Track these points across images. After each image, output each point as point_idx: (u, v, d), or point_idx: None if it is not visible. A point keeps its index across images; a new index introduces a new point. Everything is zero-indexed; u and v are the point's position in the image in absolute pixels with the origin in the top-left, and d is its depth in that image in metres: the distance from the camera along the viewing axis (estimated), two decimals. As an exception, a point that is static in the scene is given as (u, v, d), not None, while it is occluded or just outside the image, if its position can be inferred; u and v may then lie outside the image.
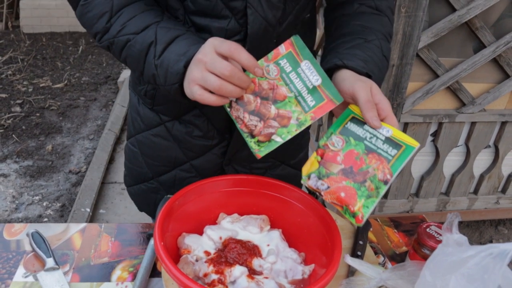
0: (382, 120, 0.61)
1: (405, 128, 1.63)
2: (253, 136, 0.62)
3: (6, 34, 4.86)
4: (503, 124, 1.76)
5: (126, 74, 3.72)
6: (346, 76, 0.67)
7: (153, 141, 0.89)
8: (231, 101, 0.62)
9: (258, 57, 0.67)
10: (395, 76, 1.46)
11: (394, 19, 0.84)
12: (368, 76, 0.68)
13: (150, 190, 0.95)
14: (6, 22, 5.07)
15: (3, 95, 3.44)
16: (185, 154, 0.88)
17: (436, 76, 1.57)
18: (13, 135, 2.88)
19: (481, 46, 1.61)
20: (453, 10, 1.48)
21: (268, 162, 0.91)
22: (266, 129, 0.61)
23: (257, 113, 0.62)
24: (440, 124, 1.66)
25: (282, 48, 0.63)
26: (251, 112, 0.62)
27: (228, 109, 0.63)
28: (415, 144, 0.59)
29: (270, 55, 0.63)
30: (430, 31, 1.48)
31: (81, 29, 5.19)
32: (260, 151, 0.61)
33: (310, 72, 0.62)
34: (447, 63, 1.59)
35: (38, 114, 3.19)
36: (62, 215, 2.15)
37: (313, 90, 0.61)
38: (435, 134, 1.70)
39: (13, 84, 3.67)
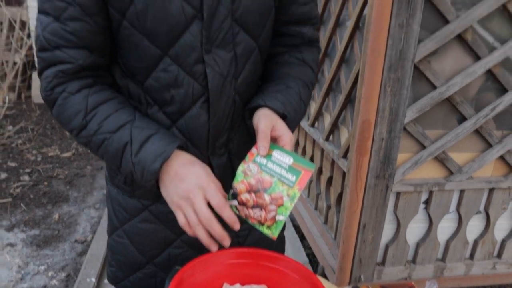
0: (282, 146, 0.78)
1: (397, 197, 1.72)
2: (262, 224, 0.74)
3: (18, 105, 5.10)
4: (491, 190, 1.85)
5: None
6: (260, 113, 0.83)
7: (141, 228, 0.95)
8: (236, 206, 0.76)
9: (222, 113, 0.85)
10: (385, 148, 1.58)
11: (317, 69, 1.03)
12: (284, 116, 0.84)
13: (148, 276, 0.99)
14: (19, 92, 5.34)
15: (13, 164, 3.57)
16: (174, 232, 0.95)
17: (423, 147, 1.69)
18: (21, 204, 2.96)
19: (463, 118, 1.74)
20: (434, 87, 1.64)
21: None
22: (269, 214, 0.73)
23: (256, 205, 0.74)
24: (431, 192, 1.76)
25: (254, 150, 0.79)
26: (252, 206, 0.74)
27: (237, 212, 0.76)
28: (311, 168, 0.74)
29: (246, 157, 0.78)
30: (414, 107, 1.62)
31: (90, 99, 5.44)
32: (273, 233, 0.74)
33: (282, 156, 0.76)
34: (433, 135, 1.71)
35: (46, 183, 3.29)
36: (67, 285, 2.18)
37: (290, 168, 0.75)
38: (427, 202, 1.79)
39: (23, 153, 3.81)
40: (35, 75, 5.32)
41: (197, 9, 0.78)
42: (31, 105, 5.10)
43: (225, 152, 0.92)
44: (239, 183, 0.76)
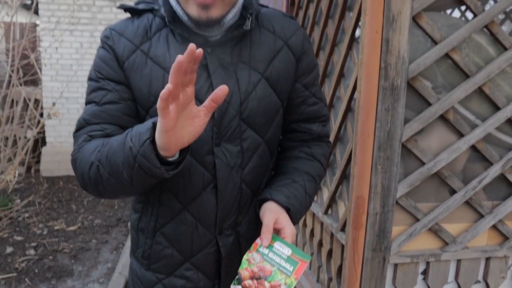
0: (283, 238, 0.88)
1: (395, 268, 1.78)
2: None
3: (26, 178, 5.24)
4: (488, 259, 1.91)
5: (137, 215, 3.96)
6: (267, 206, 0.94)
7: None
8: None
9: (229, 198, 0.95)
10: (379, 222, 1.67)
11: (326, 163, 1.13)
12: (288, 209, 0.94)
13: None
14: (28, 166, 5.49)
15: (19, 238, 3.62)
16: None
17: (417, 220, 1.78)
18: (26, 279, 2.99)
19: (454, 190, 1.84)
20: (423, 163, 1.76)
21: None
22: None
23: None
24: (428, 263, 1.81)
25: (258, 240, 0.88)
26: None
27: None
28: (308, 259, 0.84)
29: (252, 247, 0.88)
30: (405, 182, 1.73)
31: (96, 172, 5.58)
32: None
33: (282, 248, 0.86)
34: (426, 207, 1.81)
35: (51, 257, 3.33)
36: None
37: (288, 259, 0.84)
38: (425, 273, 1.84)
39: (29, 227, 3.87)
40: (44, 150, 5.51)
41: None
42: (40, 178, 5.23)
43: (232, 233, 1.02)
44: (244, 270, 0.85)
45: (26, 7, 4.53)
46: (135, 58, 0.93)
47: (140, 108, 0.95)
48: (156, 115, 0.91)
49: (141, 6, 0.97)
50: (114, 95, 0.93)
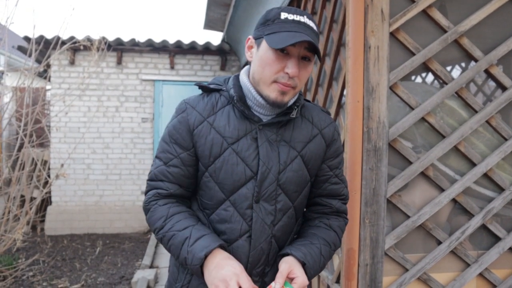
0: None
1: (387, 317, 1.88)
2: None
3: (31, 237, 5.31)
4: (477, 308, 2.01)
5: (139, 274, 4.00)
6: (285, 259, 1.14)
7: None
8: None
9: (260, 248, 1.15)
10: (370, 273, 1.80)
11: (342, 234, 1.31)
12: (304, 263, 1.13)
13: None
14: (33, 225, 5.58)
15: (23, 298, 3.66)
16: None
17: (406, 270, 1.90)
18: None
19: (440, 241, 1.98)
20: (408, 217, 1.91)
21: None
22: None
23: None
24: (419, 312, 1.92)
25: (273, 284, 1.08)
26: None
27: None
28: None
29: None
30: (392, 235, 1.87)
31: (99, 231, 5.69)
32: None
33: None
34: (414, 258, 1.94)
35: (55, 317, 3.36)
36: None
37: None
38: (417, 321, 1.93)
39: (33, 286, 3.91)
40: (49, 209, 5.63)
41: (254, 173, 1.18)
42: (44, 237, 5.31)
43: (259, 280, 1.21)
44: None
45: (39, 74, 4.85)
46: (202, 127, 1.18)
47: (201, 165, 1.20)
48: (213, 172, 1.18)
49: (212, 86, 1.24)
50: (178, 161, 1.19)
